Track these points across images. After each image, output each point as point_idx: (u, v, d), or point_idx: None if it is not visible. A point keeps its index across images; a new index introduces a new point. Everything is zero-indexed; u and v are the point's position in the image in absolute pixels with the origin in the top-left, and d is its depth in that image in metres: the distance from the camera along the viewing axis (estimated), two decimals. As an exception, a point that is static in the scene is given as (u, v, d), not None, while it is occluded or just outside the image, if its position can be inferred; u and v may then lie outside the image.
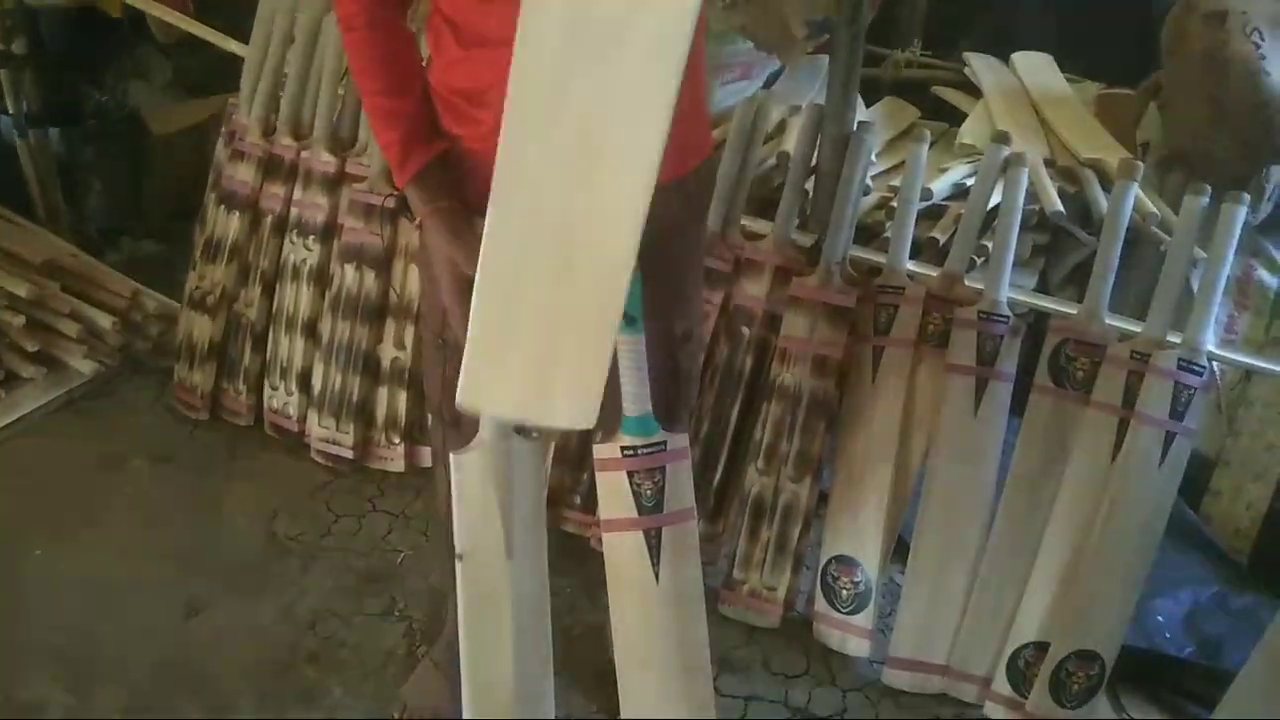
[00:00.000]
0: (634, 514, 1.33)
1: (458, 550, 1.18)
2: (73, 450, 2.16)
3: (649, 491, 1.32)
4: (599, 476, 1.34)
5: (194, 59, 3.10)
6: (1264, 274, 2.13)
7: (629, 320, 1.17)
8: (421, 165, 1.21)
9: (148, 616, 1.80)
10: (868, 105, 2.51)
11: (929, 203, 2.08)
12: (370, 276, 2.08)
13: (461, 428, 1.29)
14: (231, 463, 2.17)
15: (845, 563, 1.79)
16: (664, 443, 1.33)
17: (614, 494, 1.33)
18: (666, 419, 1.36)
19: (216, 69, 2.94)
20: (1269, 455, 2.02)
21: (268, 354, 2.21)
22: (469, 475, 1.16)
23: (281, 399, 2.20)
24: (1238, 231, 1.60)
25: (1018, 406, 1.73)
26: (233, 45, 2.38)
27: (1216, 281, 1.60)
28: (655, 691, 1.37)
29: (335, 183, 2.12)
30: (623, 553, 1.33)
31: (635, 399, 1.29)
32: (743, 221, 1.98)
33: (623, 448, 1.31)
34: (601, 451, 1.32)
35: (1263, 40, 2.03)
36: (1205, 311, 1.60)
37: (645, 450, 1.32)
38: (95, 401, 2.30)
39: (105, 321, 2.31)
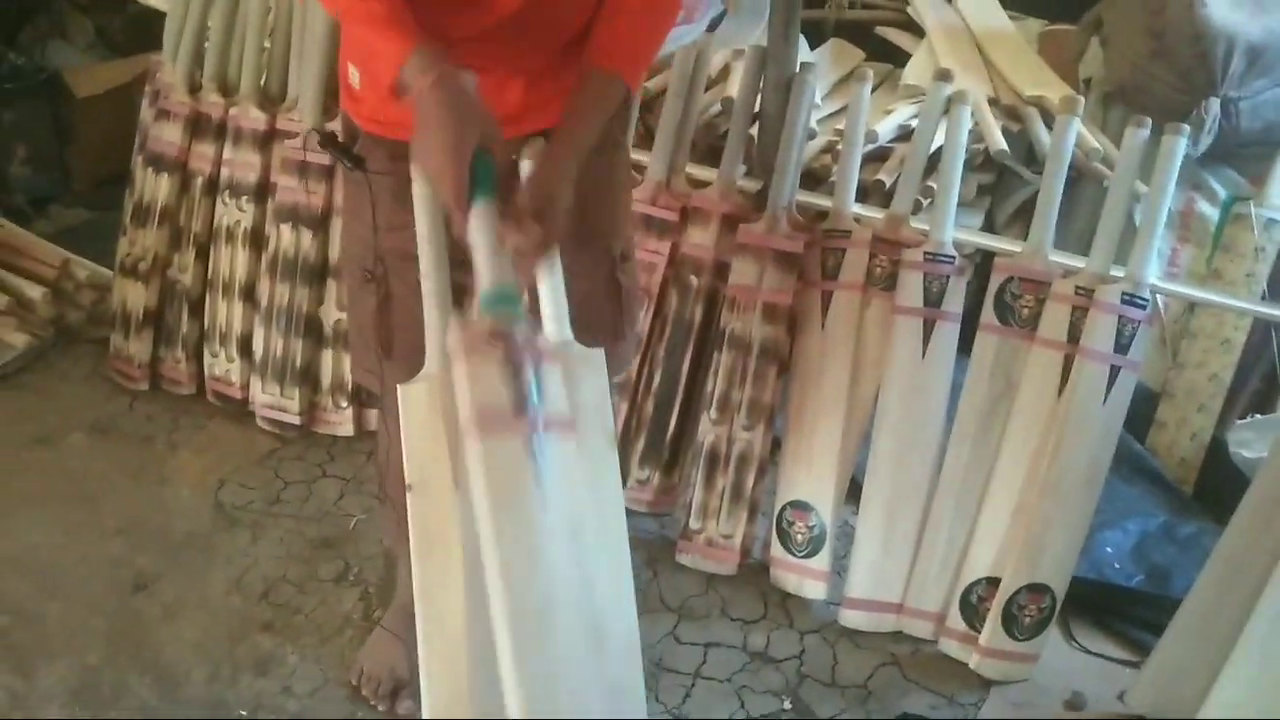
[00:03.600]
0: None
1: (408, 481, 1.15)
2: (6, 427, 2.09)
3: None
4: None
5: (116, 17, 2.99)
6: (1204, 206, 2.15)
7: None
8: (419, 38, 1.06)
9: (93, 593, 1.76)
10: (812, 48, 2.48)
11: (874, 145, 2.06)
12: (307, 236, 2.03)
13: (399, 360, 1.27)
14: (174, 433, 2.11)
15: (800, 507, 1.80)
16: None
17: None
18: (613, 337, 1.36)
19: (139, 27, 2.84)
20: (1212, 385, 2.05)
21: (206, 320, 2.15)
22: (416, 406, 1.14)
23: (223, 366, 2.14)
24: (1178, 163, 1.61)
25: (965, 347, 1.74)
26: (154, 0, 2.28)
27: (1158, 214, 1.60)
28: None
29: (266, 140, 2.05)
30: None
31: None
32: (688, 170, 1.95)
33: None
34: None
35: (1199, -28, 2.02)
36: (1147, 245, 1.61)
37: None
38: (29, 375, 2.22)
39: (35, 292, 2.23)
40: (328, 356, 2.09)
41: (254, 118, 2.04)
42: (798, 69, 1.85)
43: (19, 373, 2.22)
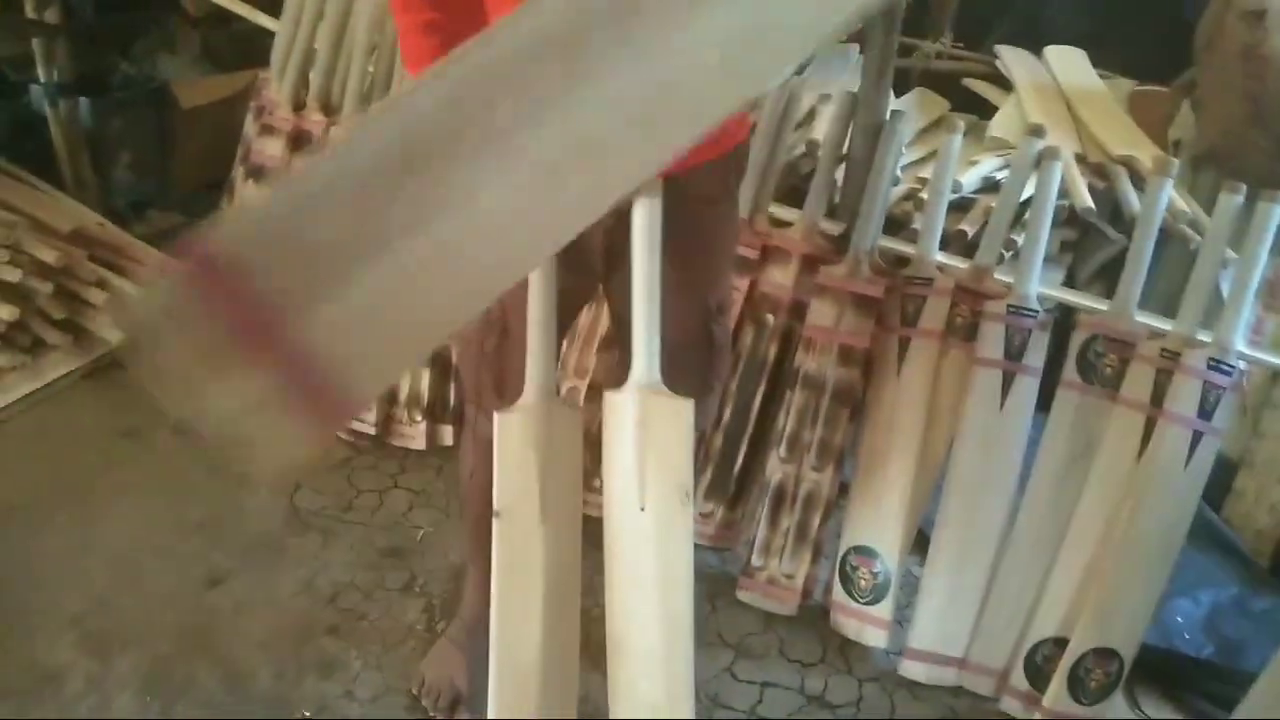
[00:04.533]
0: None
1: (495, 507, 1.18)
2: (97, 419, 2.18)
3: None
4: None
5: (223, 33, 3.11)
6: (1295, 276, 2.11)
7: None
8: None
9: (168, 586, 1.81)
10: (898, 95, 2.49)
11: (958, 195, 2.07)
12: (396, 254, 2.08)
13: (504, 396, 1.30)
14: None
15: (864, 553, 1.79)
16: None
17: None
18: (700, 389, 1.37)
19: (245, 43, 2.95)
20: (1294, 458, 2.00)
21: (292, 329, 2.21)
22: (510, 434, 1.17)
23: (305, 374, 2.20)
24: (1271, 230, 1.59)
25: (1043, 402, 1.73)
26: (263, 19, 2.38)
27: (1249, 281, 1.58)
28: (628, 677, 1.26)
29: (364, 159, 2.12)
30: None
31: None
32: (771, 209, 1.98)
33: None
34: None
35: (1302, 39, 2.01)
36: (1236, 311, 1.59)
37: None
38: (120, 371, 2.31)
39: (131, 290, 2.31)
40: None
41: (353, 136, 2.11)
42: (888, 116, 1.86)
43: (111, 366, 2.30)
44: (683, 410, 1.17)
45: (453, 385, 2.12)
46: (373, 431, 2.14)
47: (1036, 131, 1.78)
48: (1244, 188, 1.62)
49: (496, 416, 1.20)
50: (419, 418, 2.14)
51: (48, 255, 2.22)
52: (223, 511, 1.98)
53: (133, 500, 1.99)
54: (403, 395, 2.15)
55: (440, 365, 2.11)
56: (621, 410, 1.20)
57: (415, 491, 2.07)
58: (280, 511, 1.99)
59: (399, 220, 0.83)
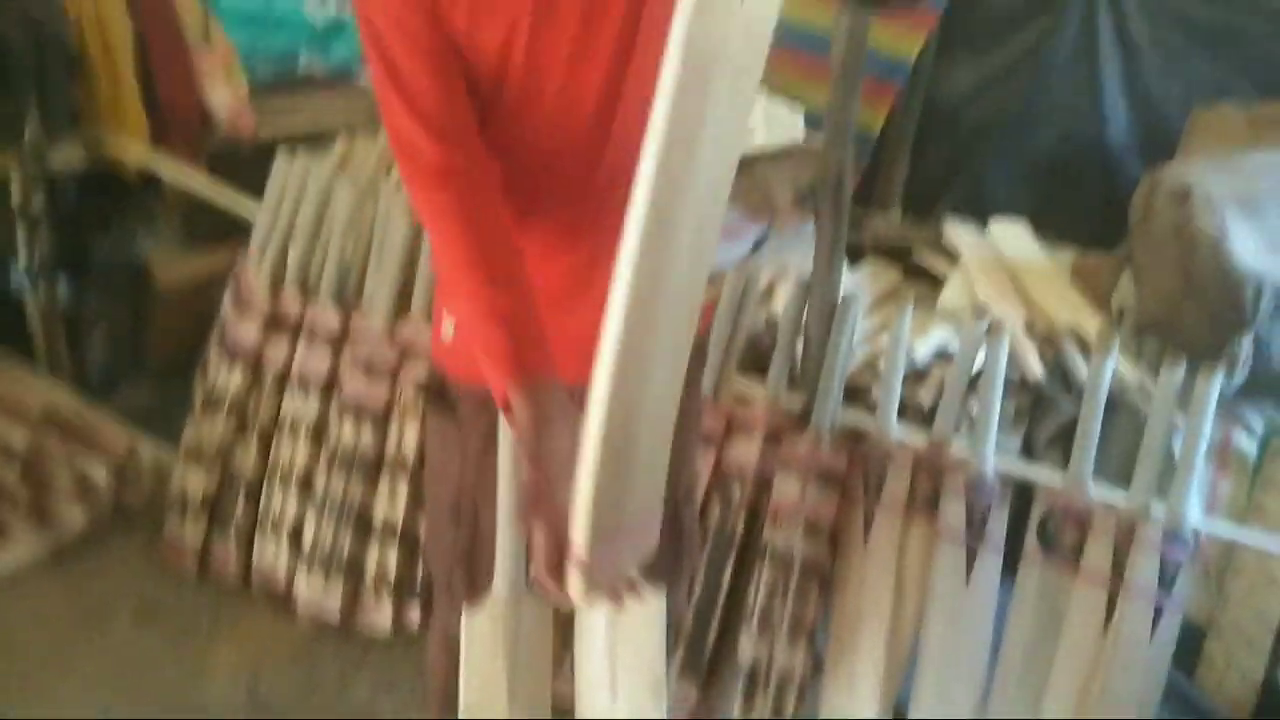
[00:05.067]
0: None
1: (461, 704, 1.17)
2: (58, 604, 2.13)
3: None
4: None
5: (203, 212, 3.21)
6: (1243, 439, 2.18)
7: None
8: (539, 371, 1.09)
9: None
10: (851, 264, 2.61)
11: (913, 365, 2.14)
12: (368, 431, 2.11)
13: (474, 589, 1.30)
14: (217, 621, 2.14)
15: (840, 733, 1.77)
16: None
17: None
18: (671, 576, 1.37)
19: (226, 220, 3.05)
20: (1259, 623, 2.02)
21: (260, 508, 2.21)
22: (479, 630, 1.17)
23: (271, 554, 2.19)
24: (1213, 406, 1.66)
25: (1009, 565, 1.75)
26: (243, 206, 2.47)
27: (1195, 454, 1.64)
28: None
29: (339, 339, 2.17)
30: None
31: None
32: (734, 383, 2.03)
33: None
34: None
35: (1226, 217, 2.14)
36: (1187, 483, 1.64)
37: None
38: (83, 555, 2.28)
39: (99, 473, 2.31)
40: (373, 550, 2.13)
41: (329, 318, 2.17)
42: (841, 299, 1.95)
43: (74, 551, 2.27)
44: (653, 604, 1.18)
45: (420, 563, 2.11)
46: (337, 616, 2.10)
47: (981, 313, 1.87)
48: (1184, 362, 1.70)
49: (465, 612, 1.20)
50: (386, 597, 2.12)
51: (16, 439, 2.22)
52: (181, 700, 1.93)
53: (90, 688, 1.93)
54: (370, 574, 2.13)
55: (408, 543, 2.11)
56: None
57: (379, 678, 2.02)
58: (240, 701, 1.94)
59: None
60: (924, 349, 2.19)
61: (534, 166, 1.15)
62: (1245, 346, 2.10)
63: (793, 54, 2.95)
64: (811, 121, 2.98)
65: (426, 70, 1.06)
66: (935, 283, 2.59)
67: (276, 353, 2.22)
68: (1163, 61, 2.89)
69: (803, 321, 2.02)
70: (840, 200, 1.85)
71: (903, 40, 2.98)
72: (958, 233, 2.67)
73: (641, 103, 1.11)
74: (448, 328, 1.27)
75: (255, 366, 2.24)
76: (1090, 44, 2.93)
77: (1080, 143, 3.01)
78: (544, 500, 1.03)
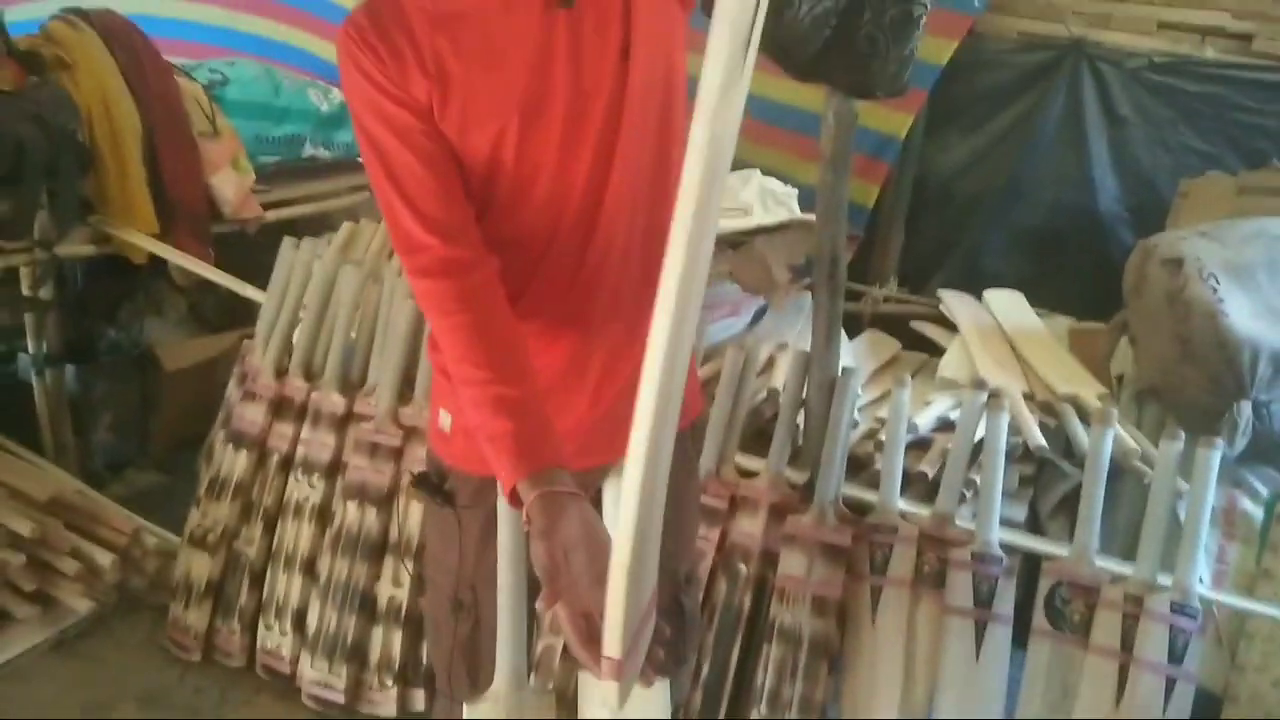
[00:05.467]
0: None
1: None
2: (61, 693, 2.12)
3: None
4: None
5: (209, 296, 3.26)
6: (1248, 504, 2.17)
7: None
8: (548, 459, 1.10)
9: None
10: (850, 338, 2.63)
11: (915, 435, 2.15)
12: (372, 514, 2.11)
13: (476, 683, 1.29)
14: (221, 707, 2.11)
15: (854, 816, 1.73)
16: None
17: None
18: (673, 665, 1.36)
19: (232, 305, 3.09)
20: (1277, 691, 1.99)
21: (264, 592, 2.21)
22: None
23: (275, 639, 2.17)
24: (1214, 476, 1.66)
25: (1019, 637, 1.73)
26: (250, 291, 2.51)
27: (1199, 526, 1.64)
28: None
29: (343, 422, 2.19)
30: None
31: None
32: (736, 458, 2.04)
33: None
34: None
35: (1218, 284, 2.16)
36: (1192, 554, 1.63)
37: None
38: (87, 641, 2.27)
39: (105, 559, 2.31)
40: (378, 633, 2.12)
41: (334, 401, 2.19)
42: (840, 371, 1.97)
43: (79, 637, 2.26)
44: (658, 693, 1.17)
45: (425, 647, 2.10)
46: (341, 700, 2.08)
47: (980, 385, 1.88)
48: (1183, 434, 1.71)
49: (466, 707, 1.19)
50: (389, 682, 2.10)
51: (22, 527, 2.22)
52: (184, 794, 1.90)
53: (90, 786, 1.90)
54: (373, 659, 2.11)
55: (413, 625, 2.09)
56: (595, 698, 1.20)
57: (386, 765, 2.00)
58: (244, 791, 1.91)
59: None
60: (925, 419, 2.20)
61: (527, 257, 1.19)
62: (1245, 412, 2.11)
63: (787, 134, 3.03)
64: (807, 197, 3.04)
65: (423, 170, 1.10)
66: (935, 351, 2.61)
67: (281, 436, 2.24)
68: (1150, 133, 2.96)
69: (803, 395, 2.04)
70: (836, 277, 1.88)
71: (892, 119, 3.06)
72: (954, 302, 2.70)
73: (626, 187, 1.16)
74: (445, 419, 1.28)
75: (260, 450, 2.25)
76: (1077, 117, 3.01)
77: (1071, 213, 3.07)
78: (562, 581, 1.03)
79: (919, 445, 2.21)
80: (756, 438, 2.18)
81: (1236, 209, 2.62)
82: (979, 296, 2.76)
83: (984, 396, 1.86)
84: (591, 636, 1.01)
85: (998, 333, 2.57)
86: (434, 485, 1.30)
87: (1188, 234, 2.32)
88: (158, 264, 2.90)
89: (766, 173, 2.96)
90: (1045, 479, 2.30)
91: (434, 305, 1.14)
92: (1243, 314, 2.13)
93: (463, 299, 1.12)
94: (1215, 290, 2.15)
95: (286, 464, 2.23)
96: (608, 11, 1.10)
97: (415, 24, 1.08)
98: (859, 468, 2.15)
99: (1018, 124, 3.09)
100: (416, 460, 2.10)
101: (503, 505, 1.17)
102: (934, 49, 2.98)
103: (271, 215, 3.06)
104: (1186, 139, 2.93)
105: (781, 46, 1.40)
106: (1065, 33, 3.04)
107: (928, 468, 2.10)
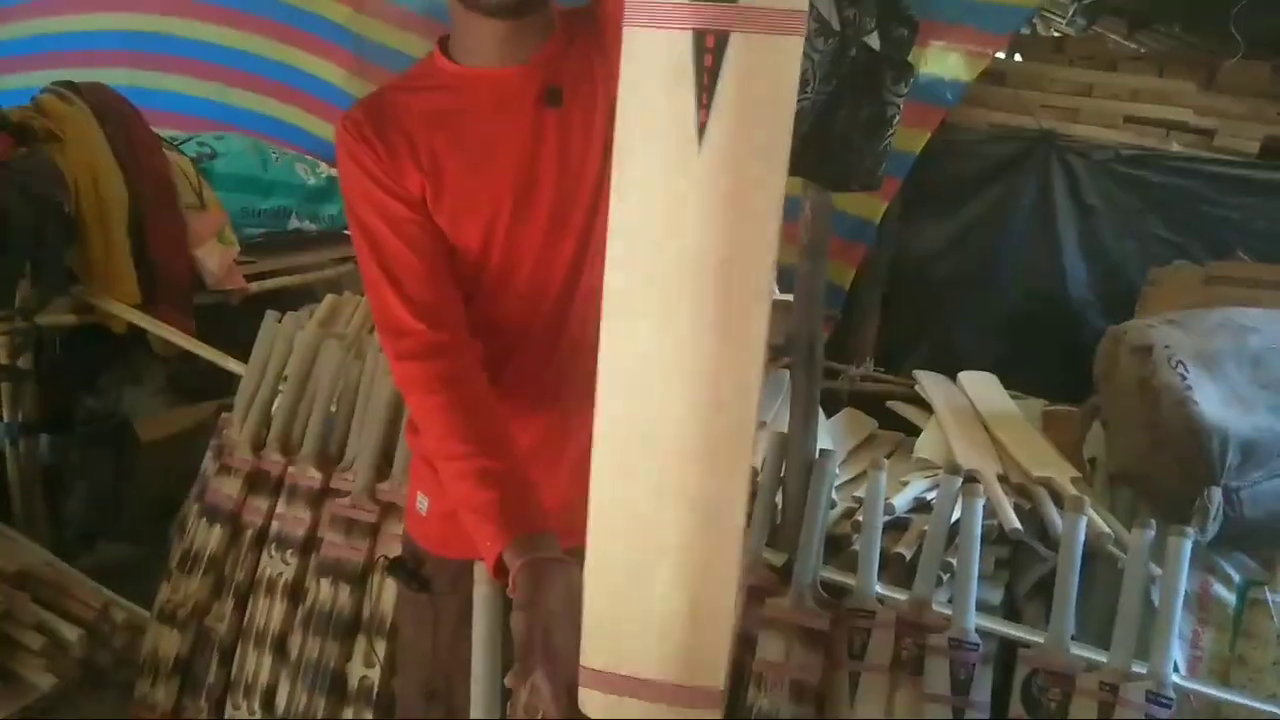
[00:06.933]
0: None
1: None
2: (18, 775, 2.06)
3: None
4: None
5: (188, 365, 3.25)
6: (1221, 589, 2.19)
7: None
8: (534, 525, 1.11)
9: None
10: (828, 415, 2.65)
11: (891, 516, 2.16)
12: (345, 592, 2.09)
13: None
14: (184, 790, 2.06)
15: None
16: None
17: None
18: None
19: (209, 375, 3.08)
20: (1255, 779, 1.98)
21: (233, 670, 2.16)
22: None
23: (244, 718, 2.13)
24: (1185, 565, 1.68)
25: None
26: (231, 364, 2.51)
27: (1172, 614, 1.65)
28: None
29: (319, 497, 2.18)
30: None
31: None
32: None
33: None
34: None
35: (1187, 372, 2.21)
36: (1165, 644, 1.64)
37: None
38: (50, 716, 2.21)
39: (71, 634, 2.26)
40: (348, 715, 2.08)
41: (311, 476, 2.18)
42: (818, 454, 1.99)
43: (43, 712, 2.20)
44: None
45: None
46: (311, 783, 2.04)
47: (955, 469, 1.90)
48: (1154, 524, 1.73)
49: (441, 797, 1.18)
50: (361, 766, 2.05)
51: (-12, 602, 2.18)
52: None
53: None
54: (345, 741, 2.07)
55: (384, 707, 2.05)
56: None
57: None
58: None
59: None
60: (902, 500, 2.21)
61: (506, 342, 1.22)
62: (1215, 498, 2.13)
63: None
64: (785, 276, 3.09)
65: (414, 257, 1.13)
66: (912, 430, 2.63)
67: (256, 510, 2.22)
68: (1118, 222, 3.05)
69: (780, 475, 2.05)
70: (814, 362, 1.91)
71: (868, 203, 3.14)
72: (929, 383, 2.73)
73: (601, 275, 1.19)
74: (422, 502, 1.29)
75: (234, 524, 2.23)
76: (1048, 206, 3.10)
77: (1043, 298, 3.14)
78: (543, 650, 1.03)
79: (896, 526, 2.21)
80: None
81: (1203, 298, 2.69)
82: (953, 377, 2.80)
83: (959, 480, 1.88)
84: (570, 706, 1.00)
85: (972, 414, 2.60)
86: (410, 570, 1.30)
87: (1156, 322, 2.38)
88: (137, 333, 2.91)
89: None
90: (1021, 561, 2.31)
91: (418, 386, 1.15)
92: (1212, 401, 2.17)
93: (446, 380, 1.14)
94: (1184, 378, 2.19)
95: (260, 539, 2.21)
96: (593, 111, 1.15)
97: (411, 121, 1.13)
98: (836, 548, 2.16)
99: (990, 211, 3.18)
100: (392, 537, 2.09)
101: (479, 592, 1.18)
102: (908, 139, 3.07)
103: (255, 286, 3.08)
104: (1153, 228, 3.02)
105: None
106: (1035, 125, 3.14)
107: (905, 549, 2.11)
